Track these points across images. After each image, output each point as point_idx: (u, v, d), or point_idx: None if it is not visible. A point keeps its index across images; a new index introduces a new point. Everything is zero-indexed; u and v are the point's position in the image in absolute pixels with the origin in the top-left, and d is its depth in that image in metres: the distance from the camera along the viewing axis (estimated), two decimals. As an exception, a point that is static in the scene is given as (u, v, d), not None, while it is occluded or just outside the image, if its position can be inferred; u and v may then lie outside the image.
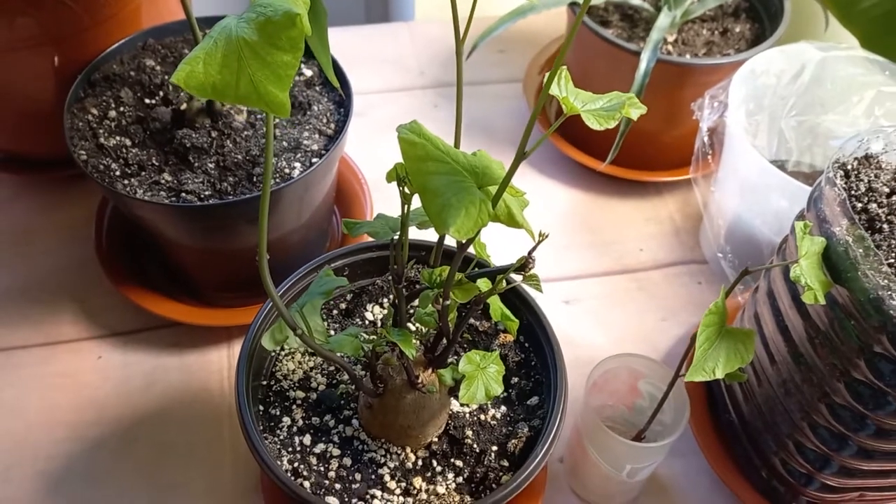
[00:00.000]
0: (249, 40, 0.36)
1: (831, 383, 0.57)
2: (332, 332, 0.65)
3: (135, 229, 0.81)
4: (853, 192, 0.58)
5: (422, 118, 1.00)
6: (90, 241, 0.82)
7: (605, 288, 0.86)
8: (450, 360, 0.56)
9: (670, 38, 0.89)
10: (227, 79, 0.36)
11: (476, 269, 0.53)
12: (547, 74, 0.39)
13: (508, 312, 0.56)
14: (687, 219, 0.92)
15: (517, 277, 0.50)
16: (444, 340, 0.54)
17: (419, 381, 0.55)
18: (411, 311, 0.60)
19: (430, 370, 0.56)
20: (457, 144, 0.46)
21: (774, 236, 0.77)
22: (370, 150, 0.95)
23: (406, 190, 0.47)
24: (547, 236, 0.46)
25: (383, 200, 0.87)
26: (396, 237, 0.51)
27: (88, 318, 0.80)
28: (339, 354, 0.53)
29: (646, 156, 0.93)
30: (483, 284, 0.51)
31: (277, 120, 0.72)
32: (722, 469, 0.69)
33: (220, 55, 0.36)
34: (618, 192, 0.94)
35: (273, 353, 0.63)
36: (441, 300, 0.49)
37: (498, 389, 0.51)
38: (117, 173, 0.69)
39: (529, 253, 0.47)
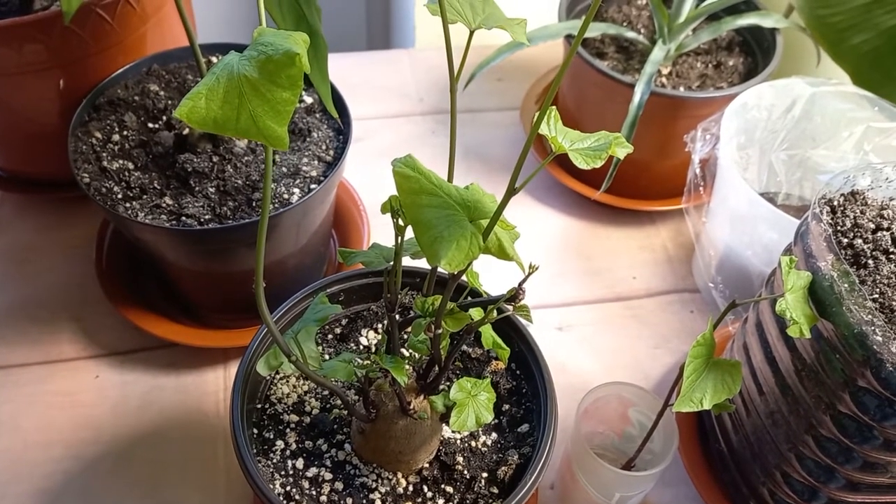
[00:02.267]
0: (250, 77, 0.37)
1: (817, 415, 0.57)
2: (327, 357, 0.65)
3: (135, 251, 0.82)
4: (839, 228, 0.59)
5: (420, 144, 1.02)
6: (90, 261, 0.83)
7: (598, 315, 0.87)
8: (442, 387, 0.57)
9: (665, 71, 0.90)
10: (228, 114, 0.37)
11: (469, 298, 0.54)
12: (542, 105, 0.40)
13: (500, 341, 0.57)
14: (679, 248, 0.93)
15: (508, 308, 0.50)
16: (437, 367, 0.54)
17: (411, 407, 0.55)
18: (405, 337, 0.60)
19: (421, 396, 0.56)
20: (450, 178, 0.47)
21: (765, 267, 0.77)
22: (369, 175, 0.96)
23: (400, 222, 0.47)
24: (537, 268, 0.46)
25: (381, 226, 0.88)
26: (390, 266, 0.52)
27: (87, 338, 0.81)
28: (332, 380, 0.54)
29: (639, 185, 0.93)
30: (475, 314, 0.52)
31: (277, 146, 0.74)
32: (711, 498, 0.69)
33: (221, 91, 0.37)
34: (612, 221, 0.95)
35: (268, 377, 0.64)
36: (433, 328, 0.50)
37: (488, 417, 0.52)
38: (119, 196, 0.70)
39: (520, 285, 0.48)
